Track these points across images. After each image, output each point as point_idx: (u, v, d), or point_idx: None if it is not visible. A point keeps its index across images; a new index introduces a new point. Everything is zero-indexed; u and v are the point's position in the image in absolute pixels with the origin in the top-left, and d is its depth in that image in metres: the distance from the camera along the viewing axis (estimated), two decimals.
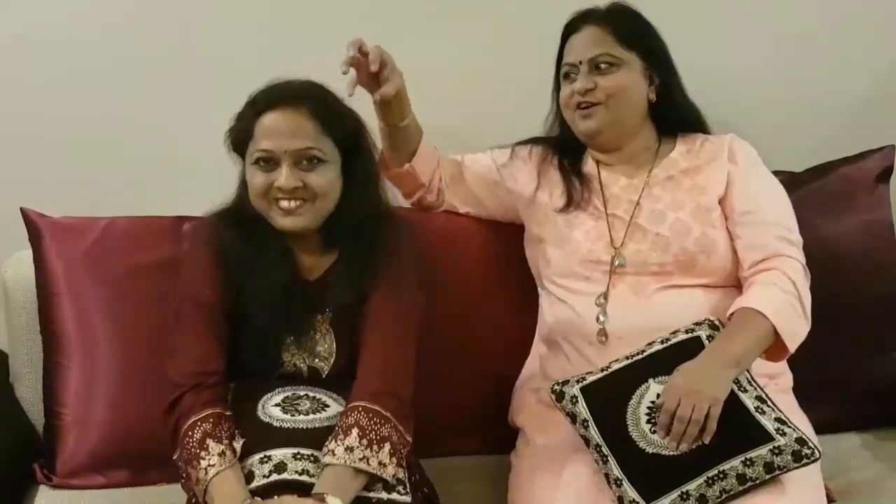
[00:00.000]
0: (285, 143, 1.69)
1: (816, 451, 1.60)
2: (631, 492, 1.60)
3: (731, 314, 1.76)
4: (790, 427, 1.63)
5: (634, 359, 1.74)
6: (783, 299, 1.76)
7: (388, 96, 1.86)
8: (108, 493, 1.92)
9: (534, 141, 2.05)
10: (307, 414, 1.67)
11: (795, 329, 1.75)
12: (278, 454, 1.61)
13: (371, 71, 1.82)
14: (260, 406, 1.69)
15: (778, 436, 1.61)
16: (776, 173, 2.14)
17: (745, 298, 1.77)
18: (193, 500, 1.66)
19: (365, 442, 1.59)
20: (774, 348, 1.75)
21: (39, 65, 2.19)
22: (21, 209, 2.01)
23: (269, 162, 1.71)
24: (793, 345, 1.75)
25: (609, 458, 1.64)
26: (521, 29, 2.25)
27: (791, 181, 2.14)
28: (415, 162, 1.99)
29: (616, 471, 1.63)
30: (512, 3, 2.28)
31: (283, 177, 1.69)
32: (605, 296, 1.85)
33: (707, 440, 1.61)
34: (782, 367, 1.87)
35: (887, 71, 2.42)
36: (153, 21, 2.21)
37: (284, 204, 1.71)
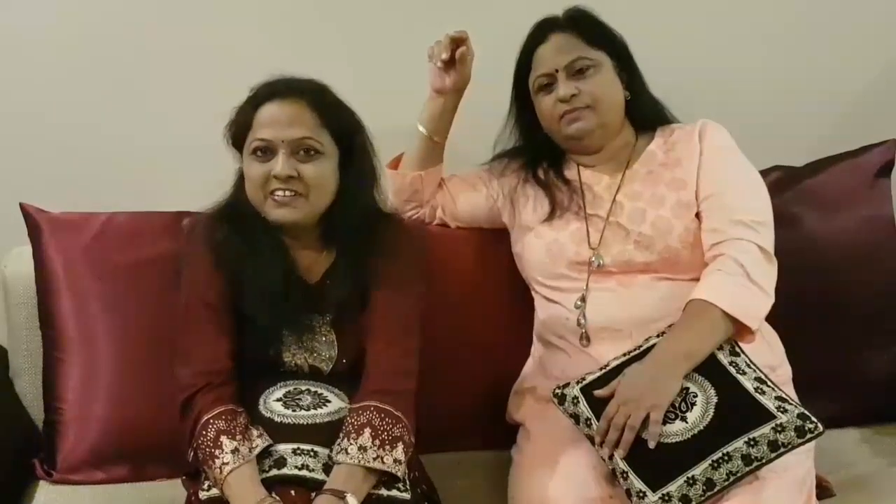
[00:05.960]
0: (283, 132, 1.69)
1: (819, 425, 1.60)
2: (638, 483, 1.60)
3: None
4: (791, 404, 1.63)
5: (632, 354, 1.74)
6: (728, 281, 1.75)
7: (443, 88, 1.95)
8: (108, 488, 1.92)
9: (509, 155, 2.04)
10: (308, 409, 1.67)
11: (747, 306, 1.74)
12: (279, 449, 1.61)
13: (443, 59, 1.91)
14: (262, 401, 1.69)
15: (779, 413, 1.60)
16: (776, 168, 2.15)
17: (693, 292, 1.76)
18: (193, 498, 1.66)
19: (378, 442, 1.59)
20: (739, 329, 1.74)
21: (38, 61, 2.19)
22: (20, 205, 2.00)
23: (266, 151, 1.70)
24: (752, 321, 1.73)
25: (614, 454, 1.64)
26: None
27: (791, 176, 2.15)
28: (425, 174, 2.02)
29: (622, 464, 1.63)
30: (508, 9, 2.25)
31: (280, 164, 1.68)
32: (584, 298, 1.86)
33: (652, 445, 1.61)
34: (781, 359, 1.87)
35: (888, 65, 2.42)
36: (152, 16, 2.20)
37: (279, 195, 1.70)
